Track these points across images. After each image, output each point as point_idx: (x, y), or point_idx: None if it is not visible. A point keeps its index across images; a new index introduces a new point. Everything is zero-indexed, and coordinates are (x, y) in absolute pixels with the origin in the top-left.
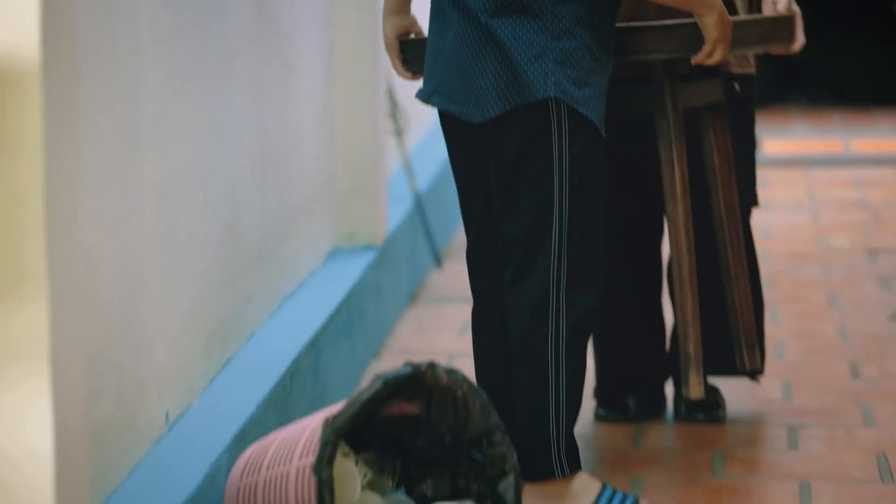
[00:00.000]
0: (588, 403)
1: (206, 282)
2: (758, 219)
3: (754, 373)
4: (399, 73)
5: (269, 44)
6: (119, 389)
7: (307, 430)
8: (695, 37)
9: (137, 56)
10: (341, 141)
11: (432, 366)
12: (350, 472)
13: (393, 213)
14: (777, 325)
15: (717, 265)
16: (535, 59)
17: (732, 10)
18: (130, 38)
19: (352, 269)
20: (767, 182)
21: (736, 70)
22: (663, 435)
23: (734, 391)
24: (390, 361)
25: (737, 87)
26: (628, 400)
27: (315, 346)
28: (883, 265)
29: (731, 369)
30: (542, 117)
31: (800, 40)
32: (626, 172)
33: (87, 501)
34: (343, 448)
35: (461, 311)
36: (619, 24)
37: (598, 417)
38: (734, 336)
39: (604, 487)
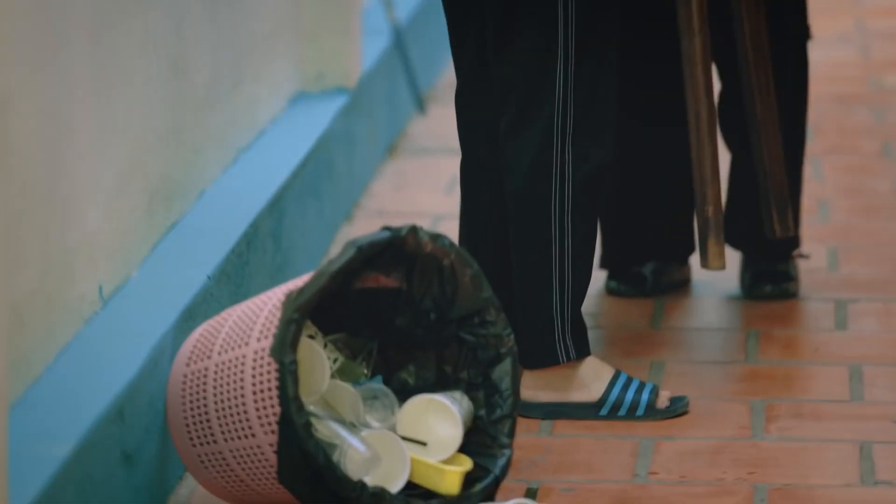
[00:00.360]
0: (597, 275)
1: (147, 130)
2: None
3: (787, 240)
4: None
5: None
6: (44, 258)
7: (266, 306)
8: None
9: None
10: None
11: (414, 230)
12: (317, 357)
13: (368, 49)
14: (820, 181)
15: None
16: None
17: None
18: None
19: (319, 116)
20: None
21: None
22: (687, 311)
23: None
24: (365, 225)
25: None
26: (644, 269)
27: (276, 206)
28: None
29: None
30: None
31: None
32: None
33: (5, 391)
34: (309, 328)
35: (448, 165)
36: None
37: (609, 291)
38: (760, 194)
39: (616, 374)
